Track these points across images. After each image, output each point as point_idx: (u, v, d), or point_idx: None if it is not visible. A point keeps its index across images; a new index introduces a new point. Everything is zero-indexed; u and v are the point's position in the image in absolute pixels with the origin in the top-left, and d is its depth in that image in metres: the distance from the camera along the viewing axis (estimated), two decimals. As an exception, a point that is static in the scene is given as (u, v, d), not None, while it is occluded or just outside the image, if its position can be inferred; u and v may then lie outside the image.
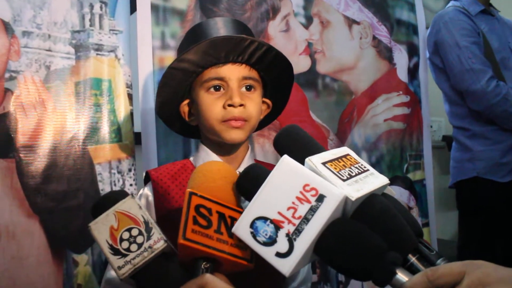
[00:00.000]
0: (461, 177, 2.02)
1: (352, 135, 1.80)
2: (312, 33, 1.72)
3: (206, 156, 1.06)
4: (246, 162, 1.08)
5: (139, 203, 0.72)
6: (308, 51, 1.70)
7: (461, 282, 0.52)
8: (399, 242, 0.59)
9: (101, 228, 0.69)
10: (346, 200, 0.59)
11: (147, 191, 1.06)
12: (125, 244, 0.68)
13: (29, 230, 1.19)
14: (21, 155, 1.18)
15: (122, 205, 0.71)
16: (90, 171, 1.30)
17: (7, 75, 1.18)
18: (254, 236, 0.61)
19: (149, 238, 0.69)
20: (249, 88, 1.04)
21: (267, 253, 0.60)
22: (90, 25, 1.32)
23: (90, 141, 1.30)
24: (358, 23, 1.85)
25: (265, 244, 0.60)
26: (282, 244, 0.59)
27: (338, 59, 1.79)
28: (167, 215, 1.01)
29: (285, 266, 0.59)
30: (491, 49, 1.96)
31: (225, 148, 1.06)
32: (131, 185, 1.36)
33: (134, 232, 0.69)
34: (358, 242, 0.58)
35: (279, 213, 0.60)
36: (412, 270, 0.59)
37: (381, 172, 1.95)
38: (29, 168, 1.19)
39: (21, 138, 1.19)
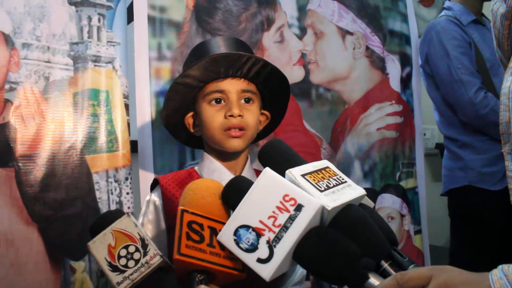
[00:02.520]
0: (453, 185, 2.03)
1: (345, 144, 1.82)
2: (306, 44, 1.75)
3: (211, 164, 1.13)
4: (246, 171, 1.15)
5: (134, 221, 0.76)
6: (302, 61, 1.73)
7: (428, 284, 0.56)
8: (373, 249, 0.63)
9: (99, 246, 0.73)
10: (323, 209, 0.63)
11: (154, 196, 1.11)
12: (123, 261, 0.73)
13: (28, 238, 1.21)
14: (20, 164, 1.21)
15: (119, 224, 0.75)
16: (88, 180, 1.32)
17: (7, 86, 1.21)
18: (237, 243, 0.65)
19: (145, 254, 0.73)
20: (247, 100, 1.11)
21: (249, 259, 0.64)
22: (88, 37, 1.36)
23: (87, 151, 1.33)
24: (351, 33, 1.87)
25: (247, 250, 0.64)
26: (263, 251, 0.63)
27: (331, 69, 1.81)
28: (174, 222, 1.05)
29: (265, 271, 0.63)
30: (483, 58, 1.97)
31: (225, 156, 1.13)
32: (127, 193, 1.39)
33: (131, 249, 0.74)
34: (334, 249, 0.61)
35: (261, 221, 0.64)
36: (384, 275, 0.62)
37: (374, 180, 1.97)
38: (28, 177, 1.22)
39: (20, 148, 1.21)
